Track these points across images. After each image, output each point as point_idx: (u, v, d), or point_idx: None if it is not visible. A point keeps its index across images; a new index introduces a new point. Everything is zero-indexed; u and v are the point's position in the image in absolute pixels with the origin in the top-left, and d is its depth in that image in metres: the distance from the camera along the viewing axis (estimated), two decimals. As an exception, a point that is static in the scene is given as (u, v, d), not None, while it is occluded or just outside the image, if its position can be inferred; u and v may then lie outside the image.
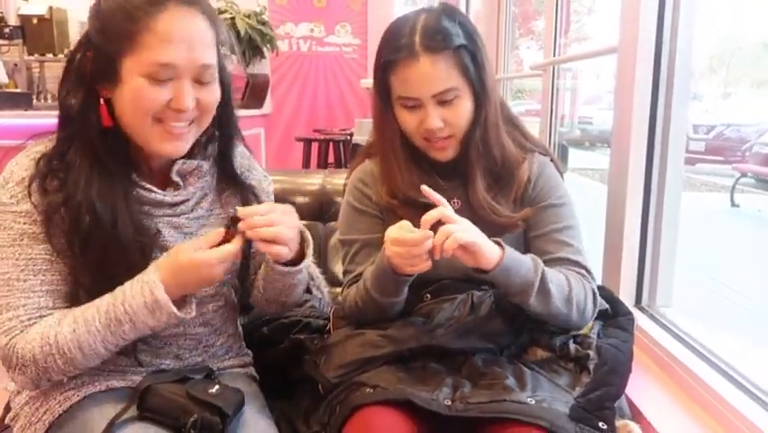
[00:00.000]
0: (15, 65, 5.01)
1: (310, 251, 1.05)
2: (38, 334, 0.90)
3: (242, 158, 1.13)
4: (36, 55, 5.34)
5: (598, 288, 1.25)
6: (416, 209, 1.14)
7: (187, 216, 1.03)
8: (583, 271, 1.13)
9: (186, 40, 0.91)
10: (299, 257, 1.03)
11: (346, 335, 1.14)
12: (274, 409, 1.10)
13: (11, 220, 0.92)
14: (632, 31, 1.38)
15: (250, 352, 1.21)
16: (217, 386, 0.96)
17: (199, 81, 0.94)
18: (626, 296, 1.42)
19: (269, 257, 1.00)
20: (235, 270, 1.08)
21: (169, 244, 0.99)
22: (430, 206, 1.14)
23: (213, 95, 0.97)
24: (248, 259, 1.11)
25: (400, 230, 1.00)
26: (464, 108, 1.10)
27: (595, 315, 1.14)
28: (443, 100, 1.08)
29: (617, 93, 1.46)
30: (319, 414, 1.03)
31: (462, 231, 0.98)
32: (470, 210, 1.15)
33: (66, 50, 5.51)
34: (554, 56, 2.33)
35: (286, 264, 1.02)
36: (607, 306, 1.20)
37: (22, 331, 0.90)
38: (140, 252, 0.95)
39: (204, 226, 1.05)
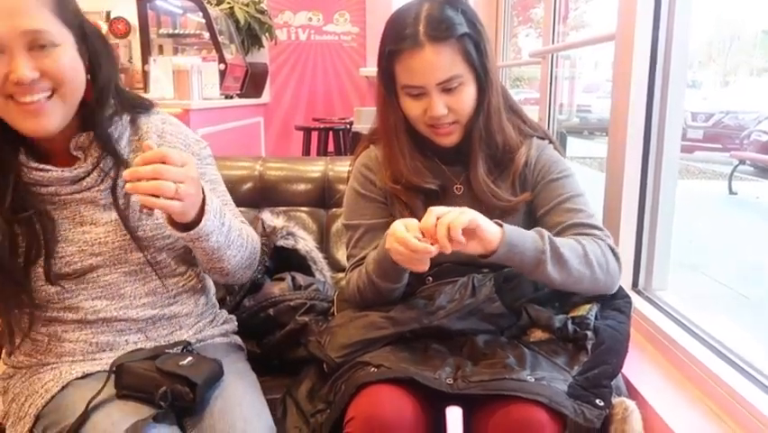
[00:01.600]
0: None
1: (210, 207, 0.97)
2: None
3: (162, 123, 1.09)
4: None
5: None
6: (418, 194, 1.17)
7: (97, 189, 1.01)
8: (597, 232, 1.13)
9: (4, 8, 0.86)
10: (200, 215, 0.96)
11: (350, 317, 1.17)
12: (278, 388, 1.13)
13: None
14: (629, 18, 1.39)
15: (232, 318, 1.23)
16: (190, 358, 0.97)
17: (36, 48, 0.88)
18: (623, 279, 1.45)
19: (168, 220, 0.95)
20: (160, 231, 1.05)
21: (86, 219, 1.00)
22: (433, 191, 1.17)
23: (58, 62, 0.90)
24: None
25: (407, 231, 0.99)
26: (468, 95, 1.13)
27: (620, 271, 1.14)
28: (447, 88, 1.10)
29: (614, 80, 1.48)
30: (324, 392, 1.06)
31: (460, 213, 0.98)
32: (472, 196, 1.18)
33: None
34: (553, 43, 2.34)
35: (188, 229, 0.96)
36: None
37: None
38: (36, 244, 0.96)
39: (127, 195, 1.01)
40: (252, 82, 4.76)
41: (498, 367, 1.01)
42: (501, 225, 1.04)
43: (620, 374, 1.11)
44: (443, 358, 1.04)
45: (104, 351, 1.03)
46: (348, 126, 4.24)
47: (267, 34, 5.00)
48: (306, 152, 4.32)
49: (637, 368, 1.23)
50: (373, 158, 1.24)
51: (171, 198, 0.87)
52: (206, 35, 4.40)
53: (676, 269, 1.53)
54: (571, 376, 1.02)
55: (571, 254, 1.06)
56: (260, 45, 5.07)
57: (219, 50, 4.20)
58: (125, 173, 0.88)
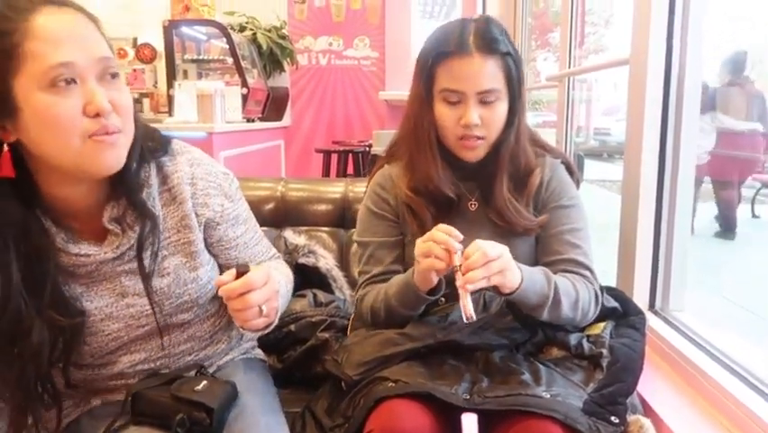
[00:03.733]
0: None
1: (283, 301, 1.03)
2: None
3: (190, 166, 1.02)
4: None
5: (610, 289, 1.31)
6: (431, 205, 1.20)
7: (132, 261, 0.96)
8: (588, 273, 1.19)
9: (74, 35, 0.81)
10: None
11: (364, 335, 1.19)
12: (298, 403, 1.16)
13: None
14: (642, 42, 1.42)
15: (252, 336, 1.22)
16: (204, 382, 0.97)
17: (105, 78, 0.84)
18: (639, 300, 1.46)
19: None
20: (197, 274, 1.03)
21: (129, 290, 0.96)
22: (452, 202, 1.19)
23: (125, 93, 0.87)
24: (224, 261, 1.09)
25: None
26: (501, 112, 1.16)
27: (596, 314, 1.19)
28: (484, 100, 1.14)
29: (629, 102, 1.51)
30: (342, 407, 1.08)
31: (501, 254, 1.01)
32: (486, 213, 1.21)
33: None
34: (569, 67, 2.38)
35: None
36: (617, 305, 1.25)
37: None
38: (68, 332, 0.91)
39: (165, 258, 0.99)
40: (274, 106, 4.86)
41: (513, 383, 1.02)
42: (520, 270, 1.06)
43: (635, 392, 1.12)
44: (460, 374, 1.06)
45: (126, 386, 1.02)
46: (367, 149, 4.29)
47: (288, 59, 5.10)
48: (326, 174, 4.38)
49: (653, 387, 1.24)
50: (387, 177, 1.28)
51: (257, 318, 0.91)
52: (230, 60, 4.52)
53: (694, 289, 1.54)
54: (587, 393, 1.03)
55: (566, 301, 1.11)
56: (282, 69, 5.17)
57: (242, 75, 4.31)
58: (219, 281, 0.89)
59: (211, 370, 1.09)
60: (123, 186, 0.93)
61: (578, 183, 1.29)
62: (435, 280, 1.09)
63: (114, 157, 0.87)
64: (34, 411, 0.93)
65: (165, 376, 1.00)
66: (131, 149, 0.91)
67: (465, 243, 1.05)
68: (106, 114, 0.83)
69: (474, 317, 0.99)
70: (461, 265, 1.00)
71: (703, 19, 1.38)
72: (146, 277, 0.96)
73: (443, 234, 1.03)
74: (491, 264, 0.99)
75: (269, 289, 0.91)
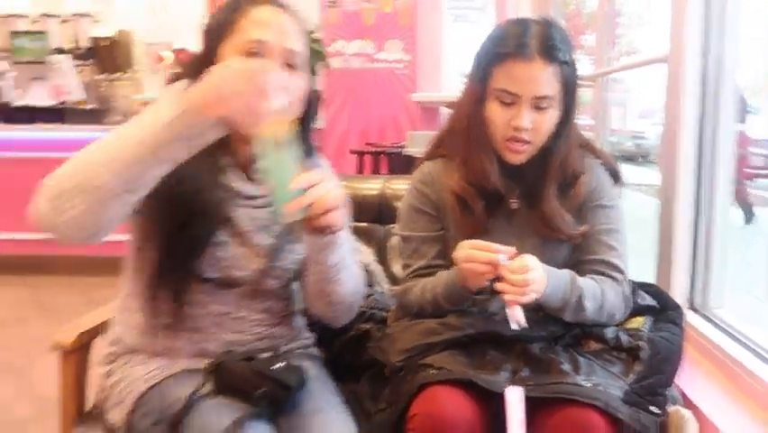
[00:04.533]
0: (87, 84, 5.32)
1: (347, 220, 1.05)
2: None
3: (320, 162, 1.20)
4: (105, 74, 5.66)
5: (646, 285, 1.32)
6: (486, 199, 1.22)
7: (264, 209, 1.10)
8: (620, 276, 1.21)
9: (276, 26, 1.04)
10: None
11: (406, 324, 1.23)
12: (342, 390, 1.20)
13: None
14: (679, 40, 1.43)
15: (311, 335, 1.29)
16: (280, 363, 1.04)
17: (288, 65, 1.03)
18: (678, 298, 1.46)
19: (329, 229, 0.98)
20: (297, 258, 1.13)
21: (245, 233, 1.08)
22: (501, 198, 1.22)
23: (300, 82, 1.06)
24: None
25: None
26: (552, 119, 1.17)
27: (625, 316, 1.21)
28: (538, 105, 1.15)
29: (666, 101, 1.51)
30: (386, 393, 1.12)
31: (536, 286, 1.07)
32: (528, 214, 1.23)
33: (132, 69, 5.83)
34: (603, 65, 2.37)
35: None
36: (654, 302, 1.26)
37: None
38: (211, 225, 1.05)
39: (277, 222, 1.10)
40: (308, 107, 4.91)
41: (554, 372, 1.05)
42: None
43: (675, 385, 1.13)
44: (501, 363, 1.09)
45: (205, 357, 1.09)
46: (400, 150, 4.32)
47: (321, 62, 5.16)
48: (360, 174, 4.43)
49: (694, 383, 1.24)
50: (427, 173, 1.31)
51: (338, 208, 0.96)
52: (264, 64, 4.58)
53: (731, 290, 1.53)
54: (627, 384, 1.05)
55: (591, 305, 1.14)
56: (315, 73, 5.23)
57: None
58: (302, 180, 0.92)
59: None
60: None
61: (621, 190, 1.29)
62: (481, 284, 1.12)
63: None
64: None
65: (242, 354, 1.06)
66: (311, 116, 1.13)
67: (507, 244, 1.09)
68: (276, 86, 0.95)
69: (525, 324, 1.04)
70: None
71: (739, 16, 1.38)
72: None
73: (485, 254, 1.07)
74: (530, 287, 1.05)
75: (336, 182, 0.96)
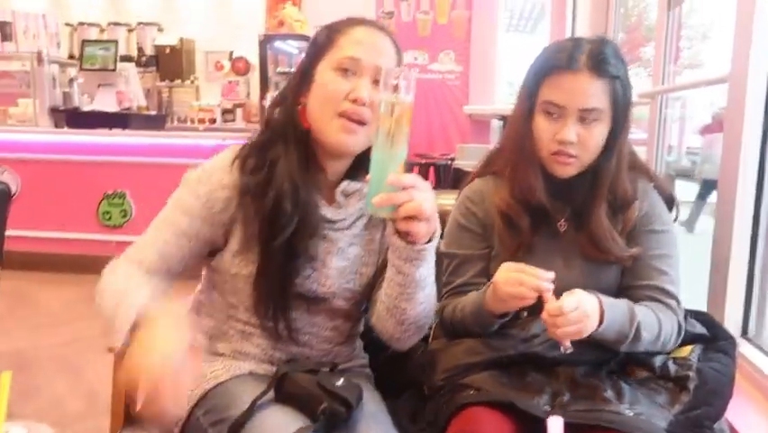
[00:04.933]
0: (148, 90, 5.54)
1: (437, 234, 1.02)
2: (122, 271, 1.07)
3: None
4: (167, 81, 5.89)
5: (698, 313, 1.28)
6: (532, 216, 1.21)
7: (342, 231, 1.14)
8: (674, 303, 1.17)
9: (373, 46, 1.09)
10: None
11: (446, 343, 1.22)
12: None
13: (184, 193, 1.10)
14: (743, 60, 1.39)
15: (366, 355, 1.31)
16: (342, 379, 1.05)
17: (377, 82, 1.04)
18: (731, 326, 1.41)
19: (410, 236, 0.97)
20: (365, 281, 1.16)
21: (320, 255, 1.11)
22: (547, 215, 1.21)
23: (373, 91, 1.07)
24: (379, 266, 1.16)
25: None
26: (599, 134, 1.15)
27: (677, 344, 1.17)
28: (584, 118, 1.13)
29: (727, 122, 1.47)
30: (425, 413, 1.12)
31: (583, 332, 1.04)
32: (577, 236, 1.20)
33: (192, 76, 6.05)
34: (663, 84, 2.32)
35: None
36: (704, 331, 1.21)
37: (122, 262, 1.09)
38: (305, 244, 1.08)
39: (352, 245, 1.15)
40: (359, 117, 4.97)
41: (596, 399, 1.03)
42: (602, 311, 1.06)
43: (724, 419, 1.09)
44: (541, 386, 1.07)
45: (272, 364, 1.13)
46: (449, 162, 4.32)
47: (374, 73, 5.20)
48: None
49: (745, 417, 1.20)
50: (477, 191, 1.30)
51: (426, 219, 0.94)
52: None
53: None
54: (672, 415, 1.02)
55: (648, 336, 1.11)
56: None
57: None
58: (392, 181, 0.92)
59: None
60: (363, 169, 1.07)
61: (676, 217, 1.25)
62: (513, 309, 1.11)
63: (350, 140, 1.07)
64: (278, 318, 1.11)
65: (306, 365, 1.09)
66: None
67: (553, 266, 1.07)
68: (361, 103, 1.05)
69: (570, 348, 1.03)
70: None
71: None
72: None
73: (534, 279, 1.05)
74: (572, 327, 1.03)
75: (431, 194, 0.95)
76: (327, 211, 1.13)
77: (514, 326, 1.21)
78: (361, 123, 1.06)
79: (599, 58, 1.13)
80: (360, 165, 1.12)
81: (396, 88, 0.91)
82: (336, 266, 1.13)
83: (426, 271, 1.05)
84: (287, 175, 1.08)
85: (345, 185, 1.14)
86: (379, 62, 1.07)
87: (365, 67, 1.06)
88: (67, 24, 5.90)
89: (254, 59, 5.31)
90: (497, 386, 1.07)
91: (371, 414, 1.08)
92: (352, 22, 1.12)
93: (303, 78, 1.12)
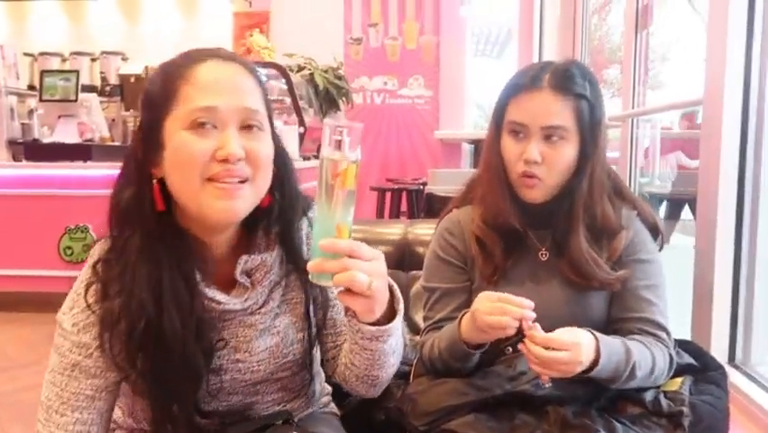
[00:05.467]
0: (113, 120, 5.41)
1: (401, 307, 0.92)
2: None
3: (308, 227, 1.03)
4: (132, 111, 5.76)
5: (685, 343, 1.24)
6: (505, 240, 1.17)
7: (259, 312, 0.97)
8: (663, 335, 1.14)
9: (227, 85, 0.87)
10: (392, 315, 0.92)
11: (429, 384, 1.16)
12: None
13: (67, 348, 0.91)
14: (717, 82, 1.38)
15: (329, 388, 1.21)
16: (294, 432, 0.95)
17: (246, 127, 0.87)
18: (718, 353, 1.38)
19: (352, 313, 0.90)
20: (303, 335, 1.02)
21: (241, 345, 0.96)
22: (520, 238, 1.18)
23: (263, 145, 0.89)
24: (323, 323, 1.05)
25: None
26: (565, 153, 1.12)
27: (669, 377, 1.13)
28: (548, 135, 1.11)
29: (703, 144, 1.45)
30: (407, 461, 1.05)
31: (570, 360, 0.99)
32: (557, 265, 1.16)
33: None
34: (633, 106, 2.32)
35: (375, 324, 0.90)
36: (692, 360, 1.17)
37: None
38: (200, 359, 0.91)
39: (278, 316, 0.99)
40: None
41: (588, 442, 0.97)
42: (598, 351, 1.02)
43: (721, 456, 1.04)
44: (531, 430, 1.01)
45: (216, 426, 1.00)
46: (421, 187, 4.29)
47: (344, 98, 5.20)
48: (380, 211, 4.39)
49: (739, 449, 1.15)
50: (455, 222, 1.26)
51: (363, 294, 0.82)
52: (288, 100, 4.63)
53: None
54: (669, 455, 0.97)
55: (641, 374, 1.07)
56: (337, 108, 5.27)
57: (299, 115, 4.40)
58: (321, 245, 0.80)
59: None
60: (252, 242, 0.95)
61: (661, 246, 1.22)
62: (492, 339, 1.07)
63: (230, 207, 0.87)
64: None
65: (255, 423, 0.98)
66: (273, 199, 0.95)
67: (535, 295, 1.03)
68: (234, 160, 0.85)
69: (548, 385, 0.99)
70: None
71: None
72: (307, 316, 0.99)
73: (518, 309, 1.00)
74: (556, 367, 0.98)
75: (377, 266, 0.83)
76: (230, 301, 0.94)
77: (499, 363, 1.15)
78: (239, 178, 0.87)
79: (564, 76, 1.12)
80: (253, 229, 0.96)
81: (339, 145, 0.81)
82: (266, 347, 0.98)
83: (395, 340, 0.95)
84: (138, 285, 0.87)
85: (244, 263, 0.94)
86: (243, 105, 0.87)
87: (226, 115, 0.86)
88: (27, 54, 5.77)
89: (221, 87, 5.24)
90: (484, 431, 1.00)
91: None
92: (193, 59, 0.89)
93: (149, 145, 0.88)
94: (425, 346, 1.20)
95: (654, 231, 1.21)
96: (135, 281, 0.88)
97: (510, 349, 1.16)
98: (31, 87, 5.23)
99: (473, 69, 5.68)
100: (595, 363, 1.01)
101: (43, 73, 4.17)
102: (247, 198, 0.89)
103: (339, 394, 1.30)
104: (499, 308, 1.01)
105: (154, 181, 0.89)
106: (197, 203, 0.87)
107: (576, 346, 0.98)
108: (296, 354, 1.01)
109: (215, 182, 0.86)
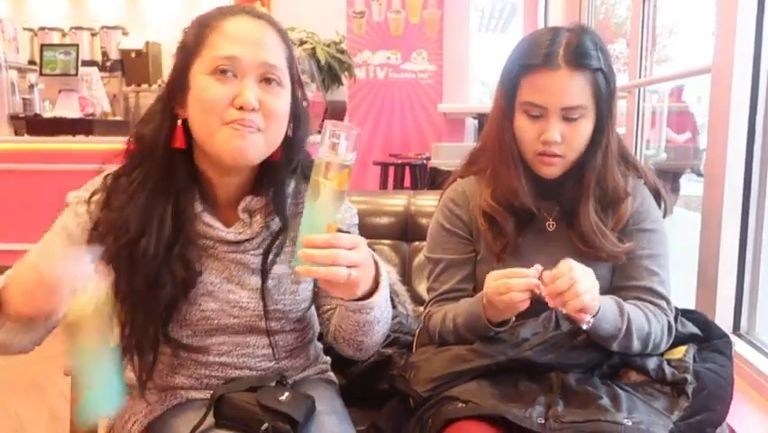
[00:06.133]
0: (114, 95, 5.38)
1: (384, 282, 0.96)
2: None
3: None
4: (133, 86, 5.73)
5: (689, 312, 1.23)
6: (516, 218, 1.15)
7: (252, 252, 1.01)
8: (664, 304, 1.13)
9: (252, 39, 0.93)
10: (373, 290, 0.95)
11: (432, 351, 1.16)
12: (362, 420, 1.13)
13: (65, 216, 0.99)
14: (727, 49, 1.35)
15: (328, 359, 1.22)
16: (287, 393, 0.96)
17: (265, 80, 0.93)
18: (722, 323, 1.37)
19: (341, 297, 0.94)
20: (301, 299, 1.06)
21: (234, 277, 1.00)
22: (532, 216, 1.16)
23: (279, 99, 0.95)
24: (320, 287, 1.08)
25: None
26: (585, 130, 1.10)
27: (668, 345, 1.13)
28: (568, 117, 1.08)
29: (711, 114, 1.43)
30: (410, 427, 1.05)
31: (591, 299, 0.98)
32: (566, 235, 1.15)
33: (159, 81, 5.91)
34: (639, 77, 2.29)
35: (358, 299, 0.94)
36: (696, 330, 1.17)
37: None
38: (180, 287, 0.95)
39: (274, 263, 1.02)
40: (332, 119, 4.89)
41: (591, 408, 0.96)
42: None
43: (725, 423, 1.04)
44: (534, 396, 1.01)
45: (209, 389, 1.02)
46: (424, 162, 4.26)
47: (346, 73, 5.14)
48: (384, 186, 4.37)
49: (743, 417, 1.15)
50: (461, 192, 1.24)
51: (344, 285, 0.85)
52: (290, 75, 4.57)
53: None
54: (672, 422, 0.96)
55: (637, 334, 1.06)
56: (340, 83, 5.21)
57: (301, 89, 4.36)
58: (303, 244, 0.83)
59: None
60: (271, 181, 1.01)
61: (665, 212, 1.20)
62: (513, 316, 1.06)
63: (243, 147, 0.92)
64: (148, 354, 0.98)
65: (247, 382, 0.99)
66: (293, 153, 1.01)
67: (547, 263, 1.01)
68: (249, 108, 0.91)
69: (590, 322, 0.98)
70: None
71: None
72: (263, 272, 1.01)
73: (522, 281, 0.99)
74: (580, 295, 0.96)
75: (358, 255, 0.86)
76: (224, 230, 1.00)
77: (503, 331, 1.14)
78: (252, 128, 0.93)
79: (580, 50, 1.07)
80: (261, 181, 1.02)
81: (334, 147, 0.83)
82: (258, 286, 1.01)
83: (380, 312, 0.98)
84: (132, 207, 0.94)
85: (248, 201, 1.01)
86: (263, 59, 0.93)
87: (247, 66, 0.92)
88: (27, 29, 5.71)
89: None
90: (486, 397, 1.00)
91: (327, 424, 1.00)
92: (224, 12, 0.96)
93: (176, 86, 0.96)
94: (434, 319, 1.19)
95: (657, 196, 1.20)
96: (131, 204, 0.94)
97: (514, 318, 1.15)
98: (31, 63, 5.20)
99: (477, 44, 5.60)
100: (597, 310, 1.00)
101: (43, 47, 4.12)
102: (259, 146, 0.94)
103: (342, 363, 1.30)
104: (504, 286, 1.00)
105: (179, 121, 0.96)
106: (213, 142, 0.93)
107: (572, 269, 0.98)
108: (286, 304, 1.04)
109: (230, 126, 0.91)
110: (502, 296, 1.00)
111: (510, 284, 0.99)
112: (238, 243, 1.01)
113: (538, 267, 1.00)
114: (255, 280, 1.02)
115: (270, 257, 1.01)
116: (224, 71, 0.91)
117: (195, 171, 0.99)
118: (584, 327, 0.98)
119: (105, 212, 0.96)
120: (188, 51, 0.94)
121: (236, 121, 0.91)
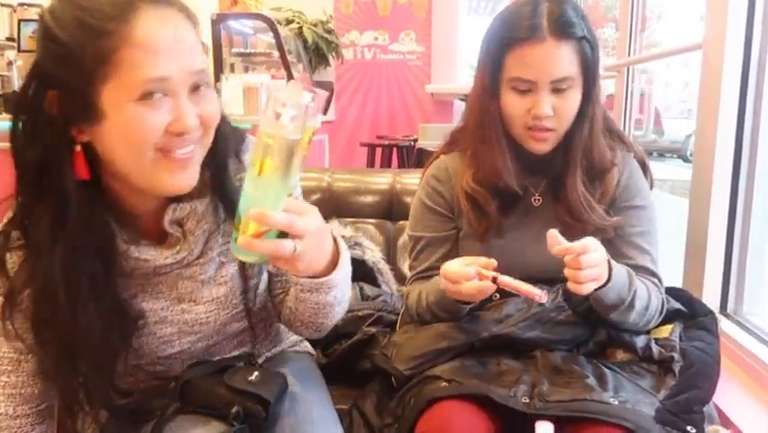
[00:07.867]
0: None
1: (343, 259, 0.87)
2: None
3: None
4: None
5: (673, 289, 1.22)
6: (495, 198, 1.13)
7: (197, 263, 0.91)
8: (657, 281, 1.12)
9: (174, 46, 0.75)
10: (332, 266, 0.86)
11: (415, 329, 1.14)
12: (345, 399, 1.11)
13: None
14: (719, 25, 1.32)
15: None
16: (257, 373, 0.91)
17: (196, 91, 0.79)
18: (710, 303, 1.36)
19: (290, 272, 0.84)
20: (262, 290, 0.99)
21: (184, 296, 0.91)
22: (517, 197, 1.13)
23: (212, 104, 0.81)
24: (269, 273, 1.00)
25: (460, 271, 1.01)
26: (574, 101, 1.07)
27: (659, 321, 1.12)
28: (557, 88, 1.05)
29: (701, 92, 1.40)
30: (392, 406, 1.02)
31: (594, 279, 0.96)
32: (553, 209, 1.13)
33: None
34: (629, 56, 2.26)
35: (314, 276, 0.85)
36: (680, 306, 1.16)
37: None
38: (119, 339, 0.86)
39: (223, 266, 0.93)
40: (318, 99, 4.83)
41: (577, 387, 0.95)
42: (610, 264, 1.00)
43: (711, 401, 1.03)
44: (518, 375, 0.99)
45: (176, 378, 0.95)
46: (412, 143, 4.23)
47: (333, 53, 5.07)
48: (371, 167, 4.34)
49: (729, 397, 1.14)
50: (443, 169, 1.21)
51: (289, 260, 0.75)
52: (276, 54, 4.50)
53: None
54: (659, 400, 0.95)
55: (639, 306, 1.05)
56: (327, 64, 5.14)
57: (288, 69, 4.28)
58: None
59: (259, 361, 1.04)
60: (196, 186, 0.85)
61: (651, 183, 1.19)
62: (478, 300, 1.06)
63: (186, 178, 0.81)
64: (79, 412, 0.89)
65: (214, 364, 0.94)
66: (225, 147, 0.88)
67: (529, 241, 1.01)
68: (191, 132, 0.78)
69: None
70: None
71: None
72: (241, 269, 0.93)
73: (470, 285, 1.00)
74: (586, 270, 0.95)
75: (305, 224, 0.74)
76: (160, 256, 0.87)
77: (487, 309, 1.12)
78: (191, 145, 0.80)
79: (563, 19, 1.04)
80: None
81: (278, 117, 0.70)
82: (213, 297, 0.93)
83: (340, 292, 0.90)
84: (46, 265, 0.79)
85: (172, 212, 0.86)
86: (191, 67, 0.77)
87: (176, 84, 0.76)
88: (5, 5, 5.57)
89: (207, 40, 5.10)
90: (469, 377, 0.98)
91: (303, 406, 0.94)
92: (118, 6, 0.73)
93: (73, 108, 0.76)
94: (411, 297, 1.18)
95: (643, 168, 1.18)
96: (45, 266, 0.79)
97: (498, 295, 1.13)
98: (9, 39, 5.06)
99: (466, 27, 5.54)
100: (608, 278, 0.99)
101: (20, 22, 4.01)
102: (198, 162, 0.83)
103: (323, 344, 1.28)
104: (463, 275, 1.00)
105: (77, 147, 0.78)
106: (148, 177, 0.79)
107: (597, 247, 0.97)
108: (250, 301, 0.96)
109: (168, 153, 0.78)
110: (463, 289, 1.00)
111: (461, 289, 1.00)
112: (175, 262, 0.89)
113: (493, 262, 1.00)
114: (209, 292, 0.92)
115: (213, 262, 0.92)
116: (151, 94, 0.74)
117: (104, 203, 0.84)
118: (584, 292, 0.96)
119: (6, 279, 0.82)
120: (87, 68, 0.73)
121: (174, 145, 0.78)
